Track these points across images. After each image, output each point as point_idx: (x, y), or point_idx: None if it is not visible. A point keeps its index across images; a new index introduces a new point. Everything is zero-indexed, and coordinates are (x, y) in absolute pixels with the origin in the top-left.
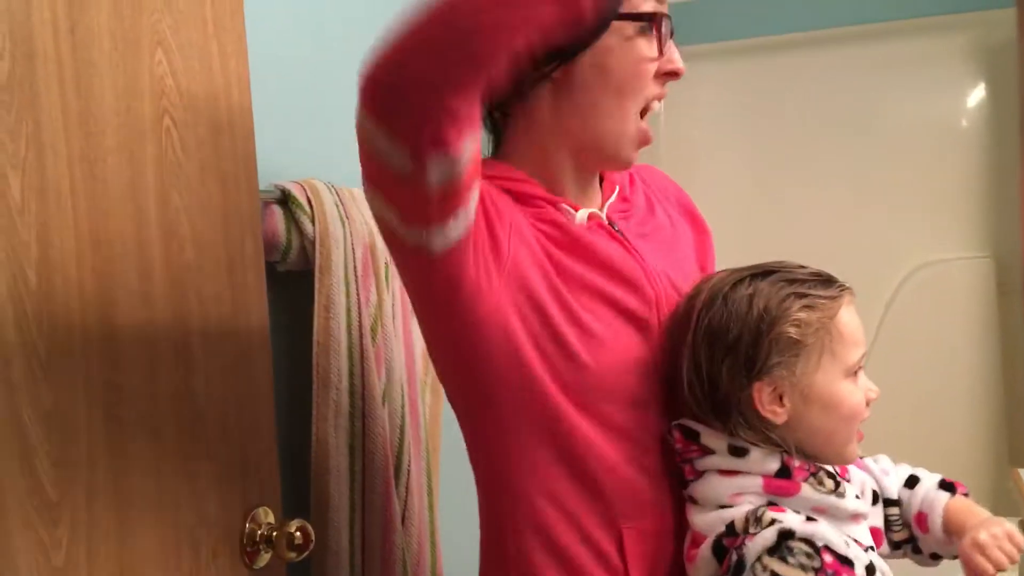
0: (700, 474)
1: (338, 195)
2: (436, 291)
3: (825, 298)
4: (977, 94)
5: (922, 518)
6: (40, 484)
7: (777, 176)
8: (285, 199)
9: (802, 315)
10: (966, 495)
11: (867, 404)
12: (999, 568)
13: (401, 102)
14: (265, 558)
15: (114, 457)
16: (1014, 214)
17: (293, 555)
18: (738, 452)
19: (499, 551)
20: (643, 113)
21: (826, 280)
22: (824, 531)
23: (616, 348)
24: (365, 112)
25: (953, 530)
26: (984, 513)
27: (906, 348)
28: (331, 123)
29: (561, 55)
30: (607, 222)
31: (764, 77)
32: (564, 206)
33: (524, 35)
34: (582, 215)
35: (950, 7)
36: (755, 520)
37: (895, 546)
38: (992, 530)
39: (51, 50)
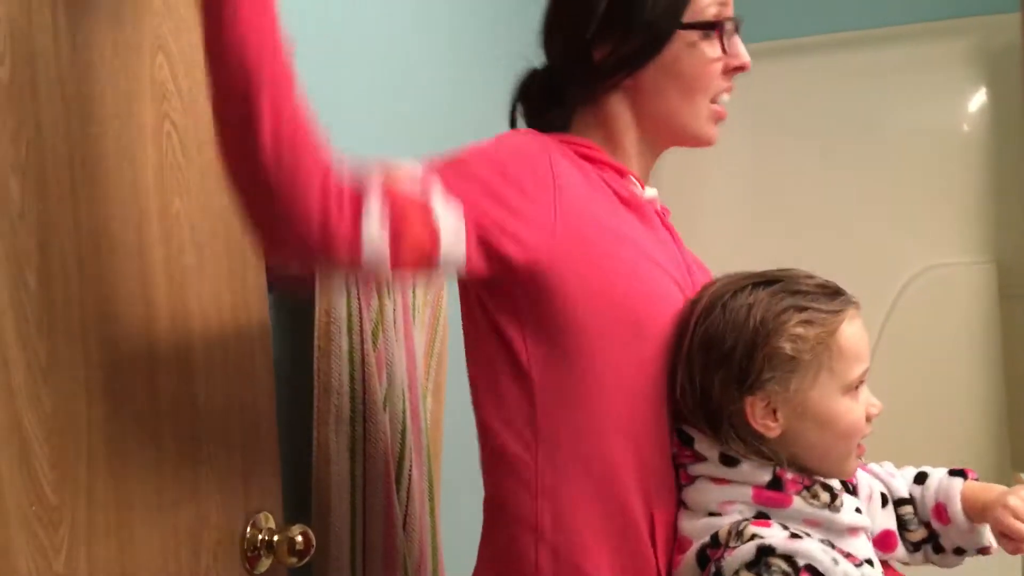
0: (692, 479)
1: None
2: (490, 284)
3: (826, 312)
4: (979, 98)
5: (940, 509)
6: (40, 487)
7: (778, 180)
8: None
9: (799, 330)
10: (977, 480)
11: (868, 420)
12: None
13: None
14: (266, 563)
15: (114, 461)
16: (1017, 219)
17: (294, 560)
18: (729, 461)
19: (525, 519)
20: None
21: (832, 292)
22: (808, 549)
23: (668, 300)
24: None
25: (974, 512)
26: (1002, 488)
27: (908, 353)
28: (334, 127)
29: (630, 65)
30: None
31: (765, 81)
32: (632, 177)
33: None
34: (651, 191)
35: (952, 11)
36: (736, 534)
37: (914, 547)
38: (1022, 493)
39: (52, 54)
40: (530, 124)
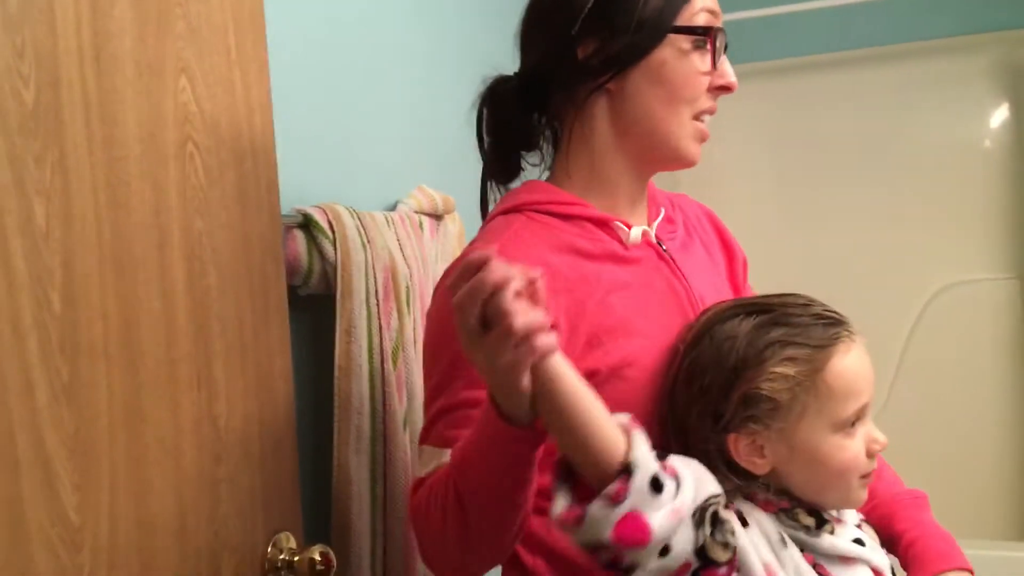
0: None
1: (359, 220)
2: None
3: (813, 347)
4: (1000, 114)
5: None
6: (63, 509)
7: (800, 197)
8: (307, 223)
9: (779, 369)
10: None
11: (871, 456)
12: None
13: None
14: None
15: (136, 482)
16: None
17: None
18: None
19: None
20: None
21: (828, 323)
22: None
23: (649, 367)
24: None
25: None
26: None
27: (932, 370)
28: (353, 148)
29: (615, 66)
30: (655, 241)
31: (787, 98)
32: (617, 223)
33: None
34: (636, 233)
35: (972, 27)
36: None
37: None
38: None
39: (76, 78)
40: (496, 131)
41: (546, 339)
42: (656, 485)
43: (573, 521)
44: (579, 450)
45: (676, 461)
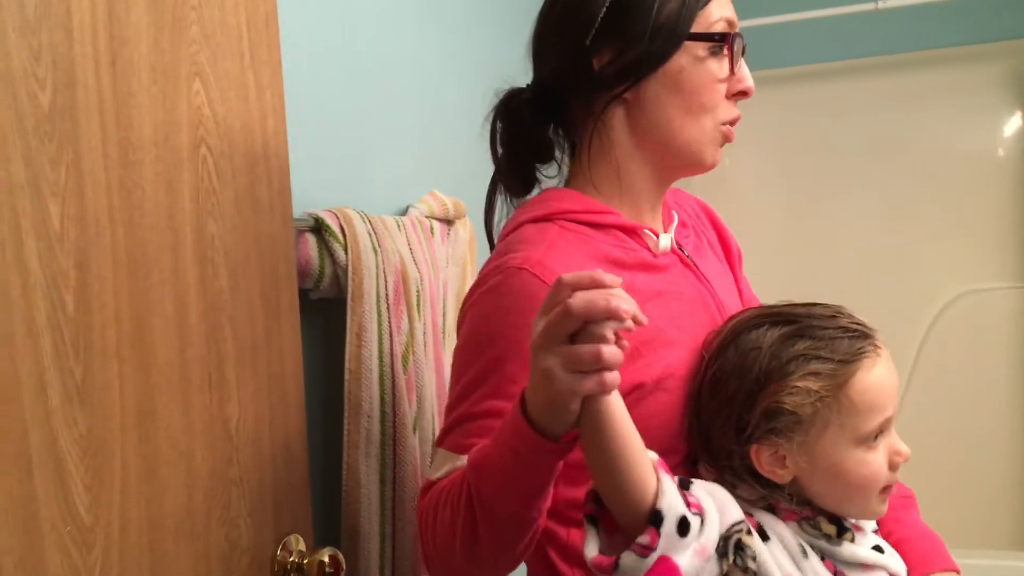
0: None
1: (371, 224)
2: None
3: (837, 362)
4: (1014, 123)
5: None
6: (75, 508)
7: (813, 205)
8: (318, 227)
9: (802, 384)
10: None
11: (893, 468)
12: None
13: None
14: None
15: (147, 482)
16: None
17: None
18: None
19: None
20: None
21: (854, 336)
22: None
23: (685, 376)
24: None
25: None
26: None
27: (944, 378)
28: (365, 153)
29: (632, 75)
30: (677, 247)
31: (799, 105)
32: (646, 231)
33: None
34: (665, 240)
35: (985, 36)
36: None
37: None
38: None
39: (92, 81)
40: (511, 144)
41: (614, 376)
42: (683, 527)
43: (607, 569)
44: (611, 481)
45: (699, 490)
